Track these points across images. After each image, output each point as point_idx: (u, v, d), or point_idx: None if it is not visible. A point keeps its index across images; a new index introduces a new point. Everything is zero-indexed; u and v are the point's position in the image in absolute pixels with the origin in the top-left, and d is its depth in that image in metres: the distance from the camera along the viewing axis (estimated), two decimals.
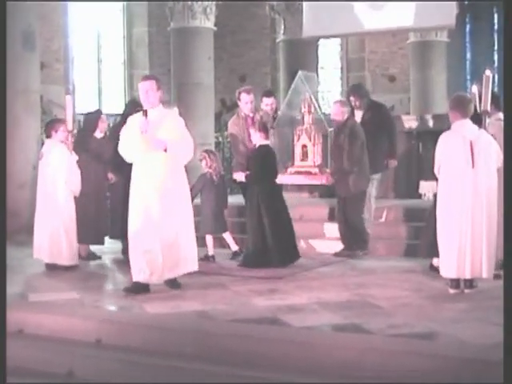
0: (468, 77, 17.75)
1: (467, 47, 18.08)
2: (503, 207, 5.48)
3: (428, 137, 9.74)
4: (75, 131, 8.46)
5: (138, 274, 6.22)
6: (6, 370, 4.62)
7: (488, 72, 6.36)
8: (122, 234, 7.11)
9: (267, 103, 8.60)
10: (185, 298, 6.11)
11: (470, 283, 6.04)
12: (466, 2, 16.49)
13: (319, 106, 8.58)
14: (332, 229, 8.49)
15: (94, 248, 8.29)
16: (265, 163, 7.56)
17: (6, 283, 5.75)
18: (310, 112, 8.07)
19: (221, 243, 8.25)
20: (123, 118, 7.41)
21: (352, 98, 8.52)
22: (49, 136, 7.75)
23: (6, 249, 6.42)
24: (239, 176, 7.83)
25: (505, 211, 5.36)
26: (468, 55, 18.07)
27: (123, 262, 7.24)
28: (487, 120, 6.38)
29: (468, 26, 17.97)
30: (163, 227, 6.19)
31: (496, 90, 12.57)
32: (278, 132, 8.28)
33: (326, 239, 8.62)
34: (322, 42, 16.54)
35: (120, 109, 11.11)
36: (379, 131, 8.36)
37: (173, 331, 5.14)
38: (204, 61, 12.40)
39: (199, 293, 6.28)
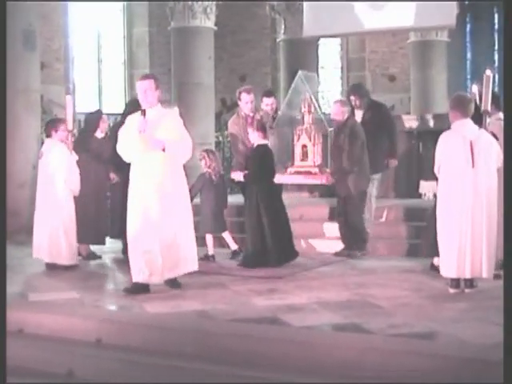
0: (468, 76, 17.74)
1: (468, 47, 18.07)
2: (503, 207, 5.47)
3: (428, 136, 9.74)
4: (75, 131, 8.47)
5: (138, 275, 6.22)
6: (6, 369, 4.62)
7: (488, 72, 6.36)
8: (121, 234, 7.11)
9: (267, 103, 8.59)
10: (185, 297, 6.11)
11: (470, 283, 6.04)
12: (467, 2, 16.49)
13: (319, 106, 8.57)
14: (332, 228, 8.49)
15: (94, 247, 8.29)
16: (263, 163, 7.55)
17: (5, 283, 5.75)
18: (309, 112, 8.05)
19: (220, 243, 8.25)
20: (123, 117, 7.41)
21: (352, 98, 8.52)
22: (49, 135, 7.76)
23: (5, 248, 6.42)
24: (237, 176, 7.83)
25: (505, 211, 5.36)
26: (468, 55, 18.07)
27: (123, 262, 7.24)
28: (487, 120, 6.38)
29: (468, 26, 17.97)
30: (162, 227, 6.18)
31: (496, 89, 12.56)
32: (278, 132, 8.27)
33: (326, 239, 8.62)
34: (322, 41, 16.53)
35: (120, 109, 11.10)
36: (379, 131, 8.36)
37: (173, 331, 5.13)
38: (204, 60, 12.40)
39: (199, 292, 6.28)
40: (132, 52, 16.25)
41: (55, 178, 7.54)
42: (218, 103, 14.33)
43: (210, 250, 7.97)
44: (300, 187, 10.13)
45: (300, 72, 8.30)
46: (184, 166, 6.57)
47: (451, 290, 6.07)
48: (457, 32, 15.12)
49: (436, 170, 6.15)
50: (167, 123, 6.29)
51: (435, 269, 6.59)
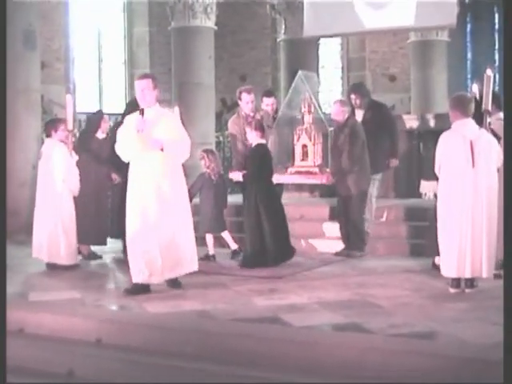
0: (469, 76, 17.74)
1: (468, 47, 18.07)
2: (503, 207, 5.47)
3: (429, 136, 9.73)
4: (75, 130, 8.46)
5: (138, 276, 6.21)
6: (7, 369, 4.62)
7: (489, 71, 6.36)
8: (122, 234, 7.10)
9: (267, 103, 8.59)
10: (185, 297, 6.11)
11: (470, 283, 6.04)
12: (467, 2, 16.49)
13: (319, 106, 8.56)
14: (332, 228, 8.50)
15: (95, 247, 8.29)
16: (261, 162, 7.55)
17: (5, 282, 5.75)
18: (310, 112, 8.07)
19: (220, 243, 8.25)
20: (123, 117, 7.40)
21: (353, 96, 8.51)
22: (48, 135, 7.76)
23: (5, 248, 6.41)
24: (235, 176, 7.82)
25: (505, 211, 5.35)
26: (469, 55, 18.07)
27: (124, 262, 7.23)
28: (488, 119, 6.38)
29: (469, 26, 17.97)
30: (161, 227, 6.16)
31: (497, 89, 12.56)
32: (278, 132, 8.28)
33: (326, 239, 8.61)
34: (322, 41, 16.54)
35: (121, 108, 11.10)
36: (380, 131, 8.35)
37: (173, 331, 5.13)
38: (205, 60, 12.39)
39: (200, 292, 6.28)
40: (132, 52, 16.24)
41: (54, 177, 7.54)
42: (218, 103, 14.32)
43: (211, 250, 7.97)
44: (300, 187, 10.13)
45: (300, 72, 8.31)
46: (184, 166, 6.57)
47: (452, 290, 6.07)
48: (457, 32, 15.10)
49: (436, 170, 6.15)
50: (165, 123, 6.28)
51: (436, 268, 6.58)
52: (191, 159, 8.18)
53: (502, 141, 6.05)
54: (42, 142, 8.35)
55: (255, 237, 7.49)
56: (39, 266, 7.67)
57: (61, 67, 14.17)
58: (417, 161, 10.25)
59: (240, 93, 8.33)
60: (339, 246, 8.22)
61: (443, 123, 7.26)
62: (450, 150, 6.01)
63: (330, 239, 8.52)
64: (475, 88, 7.74)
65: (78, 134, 9.37)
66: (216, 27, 12.66)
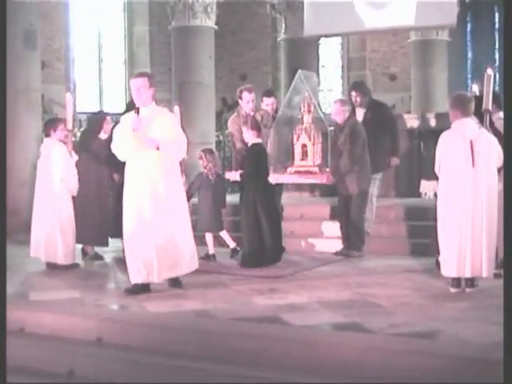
0: (469, 76, 17.73)
1: (468, 46, 18.07)
2: (503, 207, 5.47)
3: (429, 136, 9.74)
4: (76, 130, 8.46)
5: (136, 276, 6.19)
6: (7, 368, 4.62)
7: (489, 71, 6.36)
8: (121, 233, 7.10)
9: (268, 103, 8.58)
10: (186, 296, 6.11)
11: (471, 282, 6.04)
12: (467, 1, 16.48)
13: (319, 105, 8.55)
14: (332, 228, 8.49)
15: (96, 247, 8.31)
16: (258, 162, 7.55)
17: (5, 282, 5.75)
18: (309, 111, 8.04)
19: (219, 242, 8.23)
20: None
21: (353, 94, 8.49)
22: (48, 135, 7.77)
23: (5, 248, 6.41)
24: (232, 175, 7.82)
25: (505, 211, 5.35)
26: (469, 54, 18.06)
27: (124, 261, 7.22)
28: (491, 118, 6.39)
29: (469, 25, 17.96)
30: (157, 227, 6.13)
31: (497, 88, 12.56)
32: (278, 131, 8.26)
33: (326, 238, 8.61)
34: (322, 40, 16.52)
35: (121, 108, 11.10)
36: (381, 130, 8.34)
37: (174, 330, 5.13)
38: (205, 60, 12.39)
39: (200, 292, 6.28)
40: (132, 51, 16.23)
41: (53, 177, 7.55)
42: (218, 102, 14.32)
43: (211, 250, 7.97)
44: (300, 186, 10.12)
45: (300, 71, 8.29)
46: (183, 165, 6.55)
47: (452, 290, 6.07)
48: (457, 31, 15.10)
49: (436, 170, 6.15)
50: (161, 121, 6.23)
51: (440, 266, 6.57)
52: (191, 159, 8.21)
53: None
54: (42, 142, 8.35)
55: (253, 236, 7.48)
56: (39, 265, 7.67)
57: (61, 67, 14.17)
58: (417, 160, 10.25)
59: (241, 92, 8.32)
60: (339, 245, 8.22)
61: (444, 123, 7.26)
62: (449, 149, 6.01)
63: (330, 239, 8.51)
64: (475, 87, 7.74)
65: (78, 134, 9.36)
66: (216, 27, 12.66)
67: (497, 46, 17.46)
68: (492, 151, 5.98)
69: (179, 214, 6.30)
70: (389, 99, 12.75)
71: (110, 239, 8.31)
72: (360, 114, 8.43)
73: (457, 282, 6.06)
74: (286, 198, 9.15)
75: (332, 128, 8.18)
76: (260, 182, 7.56)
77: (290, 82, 9.09)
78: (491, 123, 6.42)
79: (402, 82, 16.68)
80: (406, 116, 10.83)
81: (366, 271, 7.23)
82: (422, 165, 10.06)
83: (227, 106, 15.60)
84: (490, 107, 6.33)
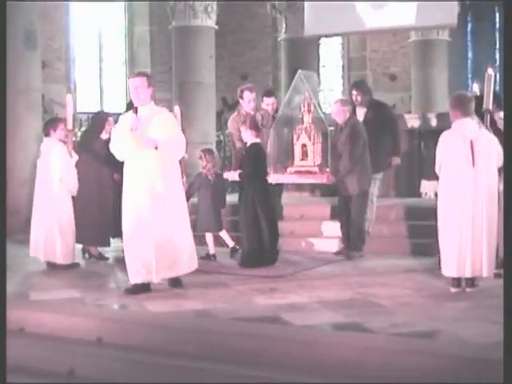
0: (469, 76, 17.74)
1: (469, 46, 18.07)
2: (503, 206, 5.47)
3: (430, 135, 9.74)
4: (76, 130, 8.46)
5: (136, 275, 6.18)
6: (7, 368, 4.62)
7: (490, 70, 6.36)
8: (121, 233, 7.10)
9: (268, 103, 8.59)
10: (186, 296, 6.11)
11: (471, 282, 6.04)
12: (468, 2, 16.48)
13: (319, 105, 8.55)
14: (333, 228, 8.48)
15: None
16: (257, 161, 7.55)
17: (5, 282, 5.75)
18: (309, 111, 8.05)
19: (219, 242, 8.22)
20: None
21: (354, 93, 8.47)
22: (47, 134, 7.77)
23: (5, 247, 6.41)
24: (231, 175, 7.81)
25: (505, 211, 5.35)
26: (469, 54, 18.07)
27: (124, 261, 7.23)
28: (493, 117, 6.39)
29: (469, 25, 17.97)
30: (157, 227, 6.11)
31: (498, 88, 12.56)
32: (278, 131, 8.27)
33: (326, 238, 8.60)
34: (323, 40, 16.53)
35: (121, 108, 11.10)
36: (381, 130, 8.32)
37: (174, 330, 5.13)
38: (205, 59, 12.39)
39: (200, 291, 6.28)
40: (133, 51, 16.23)
41: (52, 177, 7.55)
42: (219, 102, 14.33)
43: (211, 249, 7.97)
44: (301, 186, 10.12)
45: (299, 71, 8.29)
46: (183, 165, 6.54)
47: (452, 289, 6.07)
48: (458, 31, 15.11)
49: (437, 170, 6.15)
50: (160, 121, 6.22)
51: None
52: (192, 158, 8.20)
53: None
54: (42, 142, 8.35)
55: (252, 236, 7.47)
56: (39, 265, 7.67)
57: (61, 67, 14.18)
58: (418, 160, 10.25)
59: (242, 91, 8.32)
60: (339, 245, 8.21)
61: (444, 122, 7.26)
62: (450, 149, 6.01)
63: (330, 238, 8.51)
64: (476, 87, 7.73)
65: (79, 134, 9.35)
66: (217, 26, 12.66)
67: (497, 46, 17.46)
68: (492, 151, 5.98)
69: (178, 213, 6.29)
70: (389, 99, 12.74)
71: (111, 239, 8.32)
72: (360, 113, 8.41)
73: (457, 281, 6.06)
74: (286, 197, 9.15)
75: (332, 128, 8.17)
76: (259, 181, 7.55)
77: (290, 81, 9.10)
78: (493, 123, 6.42)
79: (403, 82, 16.69)
80: (406, 116, 10.83)
81: (366, 271, 7.23)
82: (422, 165, 10.06)
83: (227, 105, 15.60)
84: (491, 107, 6.33)
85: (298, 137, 7.99)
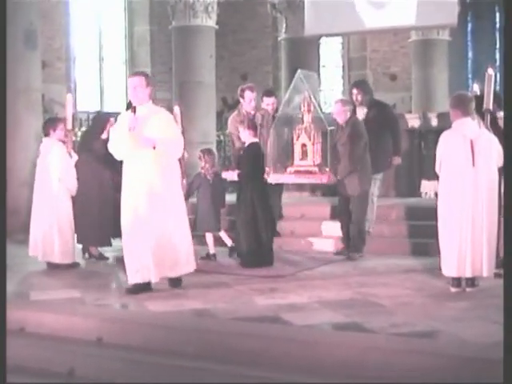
0: (470, 75, 17.73)
1: (469, 46, 18.06)
2: (503, 206, 5.47)
3: (430, 135, 9.74)
4: (76, 130, 8.45)
5: (135, 275, 6.18)
6: (7, 368, 4.62)
7: (490, 70, 6.36)
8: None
9: (268, 103, 8.59)
10: (186, 296, 6.11)
11: (471, 282, 6.04)
12: (468, 1, 16.47)
13: (319, 105, 8.54)
14: (333, 227, 8.48)
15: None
16: (256, 161, 7.54)
17: (5, 282, 5.75)
18: (309, 111, 8.04)
19: (220, 242, 8.21)
20: None
21: (355, 92, 8.45)
22: (47, 134, 7.77)
23: (5, 247, 6.41)
24: (229, 175, 7.81)
25: (505, 210, 5.35)
26: (470, 54, 18.05)
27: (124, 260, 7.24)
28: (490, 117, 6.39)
29: (470, 25, 17.95)
30: (155, 226, 6.11)
31: (498, 88, 12.56)
32: (277, 131, 8.27)
33: (327, 238, 8.60)
34: (323, 40, 16.50)
35: (121, 108, 11.09)
36: (382, 130, 8.31)
37: (174, 330, 5.13)
38: (205, 59, 12.39)
39: (200, 291, 6.28)
40: (133, 51, 16.23)
41: (52, 176, 7.55)
42: (219, 102, 14.32)
43: (211, 249, 7.97)
44: (301, 186, 10.12)
45: (299, 71, 8.28)
46: (183, 165, 6.53)
47: (453, 289, 6.07)
48: (458, 31, 15.09)
49: (437, 169, 6.15)
50: (158, 121, 6.21)
51: None
52: (192, 158, 8.20)
53: None
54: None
55: (251, 236, 7.45)
56: (39, 265, 7.68)
57: (62, 66, 14.17)
58: (418, 160, 10.25)
59: (243, 90, 8.31)
60: (340, 245, 8.21)
61: (445, 122, 7.26)
62: (450, 149, 6.01)
63: (330, 238, 8.51)
64: (476, 87, 7.73)
65: (79, 134, 9.35)
66: (217, 26, 12.65)
67: (497, 46, 17.45)
68: (492, 151, 5.98)
69: (177, 213, 6.28)
70: (389, 99, 12.71)
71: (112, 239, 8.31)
72: (361, 113, 8.40)
73: (457, 281, 6.06)
74: (286, 197, 9.16)
75: (332, 128, 8.16)
76: (258, 181, 7.55)
77: (290, 81, 9.09)
78: (495, 122, 6.42)
79: (403, 82, 16.67)
80: (407, 116, 10.83)
81: (366, 271, 7.22)
82: (422, 165, 10.05)
83: (228, 105, 15.60)
84: (491, 107, 6.33)
85: (298, 136, 7.98)
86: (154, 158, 6.13)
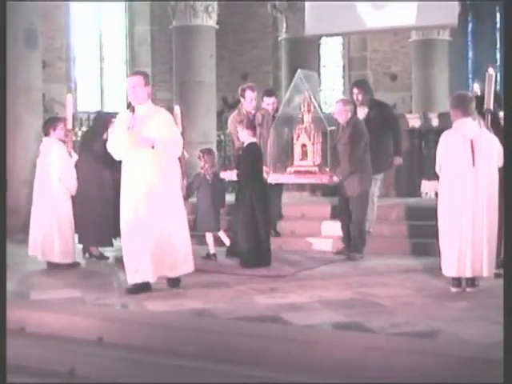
0: (470, 75, 17.73)
1: (469, 46, 18.06)
2: (503, 206, 5.47)
3: (431, 135, 9.74)
4: (76, 129, 8.45)
5: (134, 275, 6.18)
6: (7, 368, 4.62)
7: (491, 70, 6.36)
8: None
9: (268, 102, 8.59)
10: (186, 296, 6.11)
11: (471, 282, 6.04)
12: (468, 1, 16.47)
13: (319, 105, 8.54)
14: (333, 227, 8.48)
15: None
16: (255, 161, 7.54)
17: (5, 281, 5.75)
18: (309, 111, 8.04)
19: (220, 242, 8.21)
20: None
21: (355, 91, 8.43)
22: (47, 134, 7.77)
23: (5, 247, 6.41)
24: (228, 175, 7.80)
25: (505, 210, 5.35)
26: (470, 54, 18.05)
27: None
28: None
29: (470, 25, 17.95)
30: (154, 226, 6.10)
31: (498, 88, 12.56)
32: (277, 131, 8.27)
33: (327, 238, 8.60)
34: (323, 40, 16.53)
35: (122, 108, 11.09)
36: (383, 130, 8.31)
37: (174, 329, 5.13)
38: (206, 59, 12.39)
39: (201, 291, 6.28)
40: (134, 51, 16.23)
41: (51, 176, 7.55)
42: (219, 102, 14.33)
43: (212, 249, 7.96)
44: (301, 186, 10.12)
45: (299, 71, 8.29)
46: (183, 164, 6.53)
47: (453, 289, 6.07)
48: (458, 31, 15.11)
49: (437, 169, 6.15)
50: (157, 120, 6.19)
51: None
52: (192, 158, 8.20)
53: None
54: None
55: (250, 236, 7.45)
56: (39, 264, 7.68)
57: (62, 66, 14.18)
58: (418, 160, 10.25)
59: (243, 90, 8.31)
60: (340, 245, 8.21)
61: (445, 122, 7.27)
62: (450, 149, 6.01)
63: (331, 238, 8.51)
64: (476, 87, 7.73)
65: (79, 133, 9.34)
66: (217, 26, 12.66)
67: (498, 46, 17.45)
68: (493, 151, 5.98)
69: (176, 213, 6.27)
70: (390, 99, 12.72)
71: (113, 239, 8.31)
72: (361, 112, 8.39)
73: (457, 281, 6.06)
74: (286, 197, 9.16)
75: (332, 128, 8.16)
76: (257, 181, 7.55)
77: (290, 81, 9.11)
78: (496, 122, 6.41)
79: (403, 82, 16.67)
80: (407, 115, 10.83)
81: (366, 271, 7.22)
82: (422, 164, 10.06)
83: (228, 105, 15.60)
84: (492, 107, 6.33)
85: (298, 136, 7.98)
86: (152, 157, 6.11)
